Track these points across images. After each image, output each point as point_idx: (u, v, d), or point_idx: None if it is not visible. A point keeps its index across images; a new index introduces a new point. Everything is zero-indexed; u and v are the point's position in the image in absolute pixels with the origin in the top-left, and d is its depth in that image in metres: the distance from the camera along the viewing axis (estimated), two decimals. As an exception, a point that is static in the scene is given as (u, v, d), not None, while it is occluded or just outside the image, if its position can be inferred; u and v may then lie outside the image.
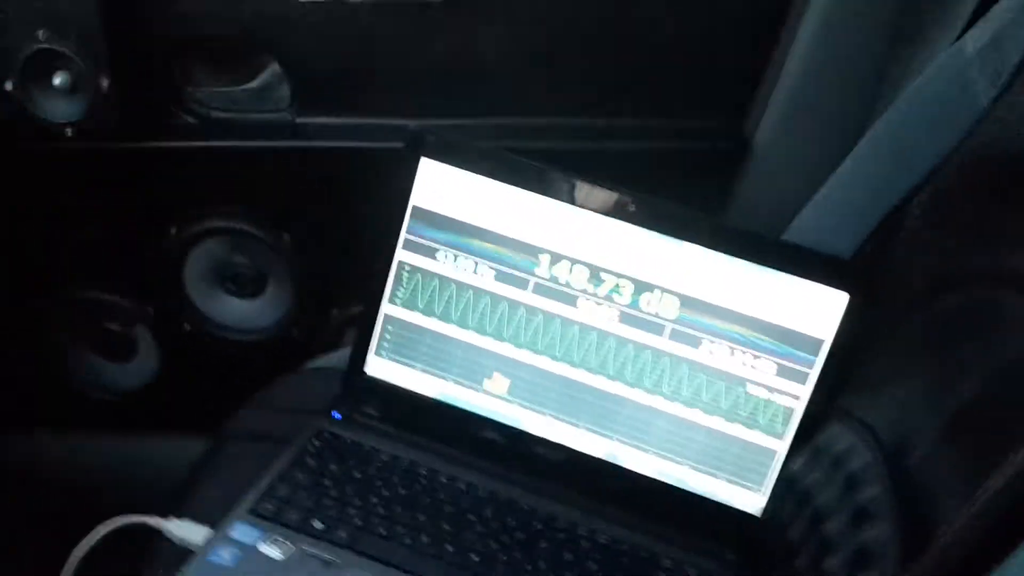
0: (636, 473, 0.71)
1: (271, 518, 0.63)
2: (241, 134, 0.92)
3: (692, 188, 0.83)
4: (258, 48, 0.91)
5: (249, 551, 0.61)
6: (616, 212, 0.68)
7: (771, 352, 0.67)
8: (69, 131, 0.88)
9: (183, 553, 0.61)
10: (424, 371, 0.74)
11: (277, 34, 0.89)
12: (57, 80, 0.86)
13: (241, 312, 1.02)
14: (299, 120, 0.92)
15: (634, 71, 0.88)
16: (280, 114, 0.93)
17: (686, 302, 0.68)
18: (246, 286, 1.01)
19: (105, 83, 0.86)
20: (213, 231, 0.96)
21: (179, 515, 0.64)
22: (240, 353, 1.02)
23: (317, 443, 0.71)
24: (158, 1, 0.86)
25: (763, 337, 0.67)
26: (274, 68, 0.91)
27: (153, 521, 0.63)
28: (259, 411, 0.81)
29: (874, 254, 0.67)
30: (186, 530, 0.63)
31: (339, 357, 0.87)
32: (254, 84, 0.92)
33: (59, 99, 0.87)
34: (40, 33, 0.84)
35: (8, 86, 0.86)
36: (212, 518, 0.64)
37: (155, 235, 0.96)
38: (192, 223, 0.96)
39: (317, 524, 0.63)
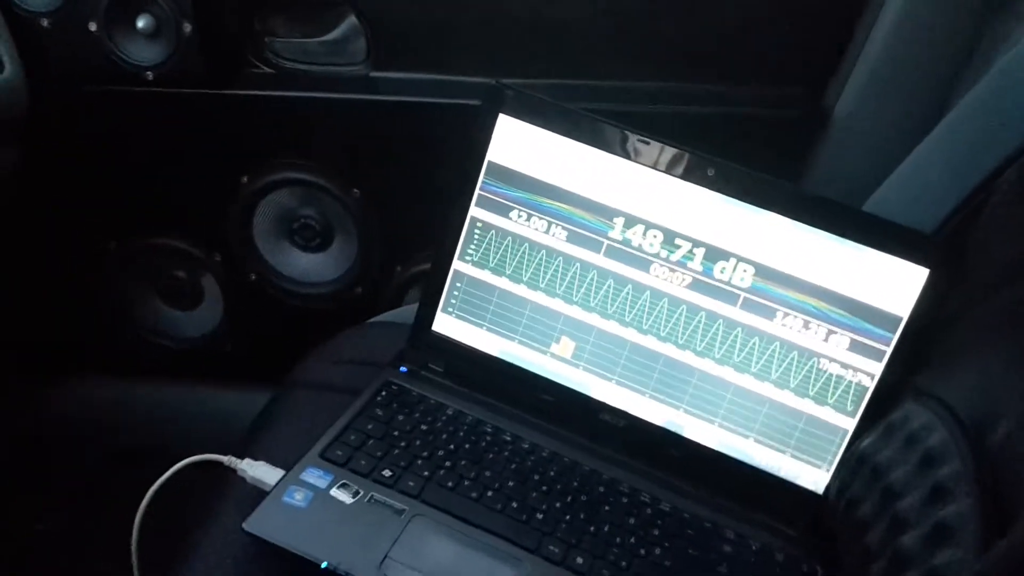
0: (699, 444, 0.71)
1: (342, 464, 0.64)
2: (316, 86, 0.93)
3: (770, 157, 0.81)
4: (336, 1, 0.91)
5: (321, 494, 0.62)
6: (693, 176, 0.67)
7: (846, 326, 0.66)
8: (150, 75, 0.90)
9: (257, 493, 0.63)
10: (491, 330, 0.75)
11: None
12: (141, 23, 0.88)
13: (307, 265, 1.03)
14: (374, 74, 0.92)
15: (716, 36, 0.87)
16: (355, 67, 0.93)
17: (761, 271, 0.67)
18: (313, 239, 1.02)
19: (188, 28, 0.87)
20: (284, 182, 0.98)
21: (255, 457, 0.66)
22: (304, 306, 1.04)
23: (385, 394, 0.72)
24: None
25: (838, 311, 0.66)
26: (351, 21, 0.92)
27: (228, 460, 0.65)
28: (325, 362, 0.81)
29: (957, 231, 0.65)
30: (260, 470, 0.64)
31: (403, 313, 0.88)
32: (331, 36, 0.93)
33: (142, 42, 0.89)
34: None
35: (92, 27, 0.88)
36: (284, 461, 0.65)
37: (227, 184, 0.98)
38: (264, 173, 0.97)
39: (386, 472, 0.64)
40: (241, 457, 0.66)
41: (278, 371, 0.85)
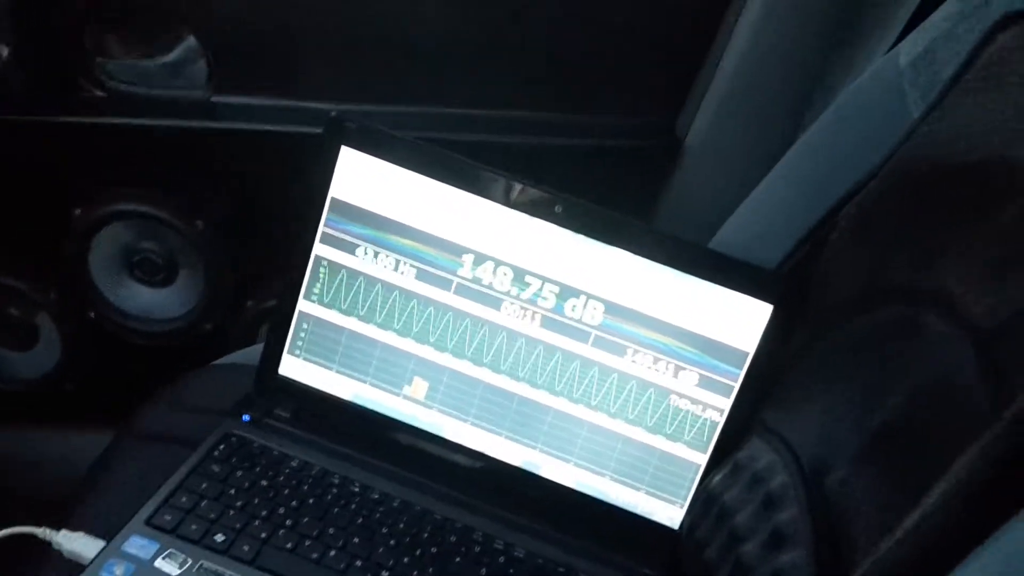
0: (556, 484, 0.69)
1: (169, 530, 0.60)
2: (153, 111, 0.87)
3: (622, 186, 0.81)
4: (174, 20, 0.86)
5: (144, 567, 0.57)
6: (541, 212, 0.65)
7: (695, 363, 0.66)
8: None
9: (74, 567, 0.58)
10: (340, 372, 0.71)
11: (194, 6, 0.84)
12: (-50, 49, 0.81)
13: (150, 301, 0.97)
14: (215, 99, 0.87)
15: (566, 65, 0.86)
16: (195, 92, 0.88)
17: (611, 309, 0.66)
18: (155, 274, 0.95)
19: (5, 51, 0.80)
20: (121, 214, 0.91)
21: (72, 526, 0.60)
22: (148, 345, 0.98)
23: (223, 447, 0.68)
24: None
25: (687, 347, 0.65)
26: (190, 42, 0.87)
27: (43, 533, 0.59)
28: (163, 409, 0.76)
29: (800, 265, 0.66)
30: (78, 543, 0.59)
31: (252, 354, 0.84)
32: (169, 58, 0.87)
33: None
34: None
35: None
36: (107, 528, 0.60)
37: (59, 216, 0.91)
38: (99, 205, 0.90)
39: (219, 537, 0.60)
40: (58, 527, 0.60)
41: (123, 413, 0.79)
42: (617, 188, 0.75)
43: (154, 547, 0.58)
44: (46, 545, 0.60)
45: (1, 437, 1.03)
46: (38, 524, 0.61)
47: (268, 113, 0.88)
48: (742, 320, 0.64)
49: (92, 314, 0.96)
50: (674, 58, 0.86)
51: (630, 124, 0.89)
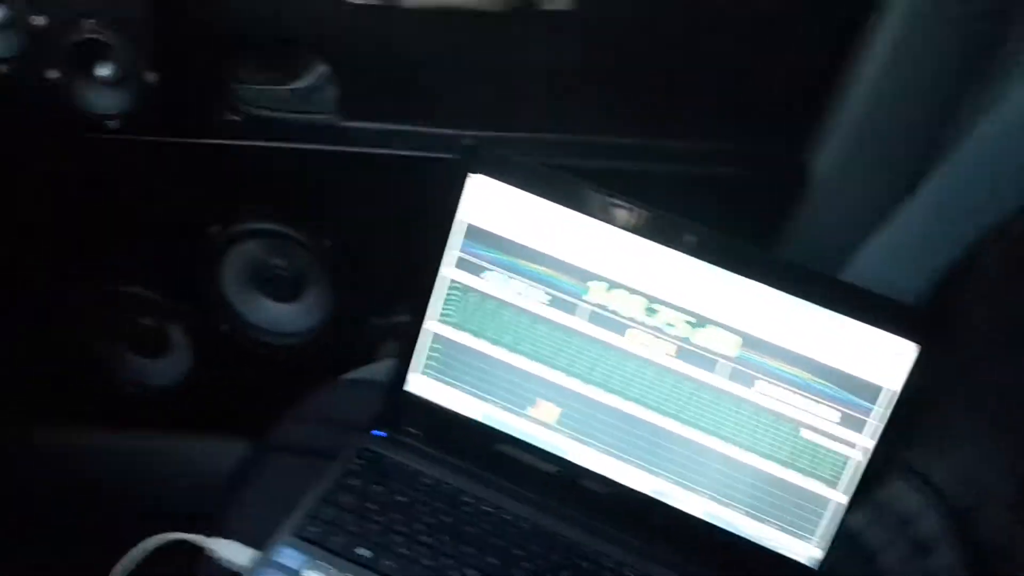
0: (685, 513, 0.69)
1: (317, 542, 0.62)
2: (285, 135, 0.91)
3: (747, 216, 0.80)
4: (307, 49, 0.89)
5: (294, 578, 0.60)
6: (676, 242, 0.66)
7: (833, 398, 0.65)
8: (112, 123, 0.87)
9: (226, 573, 0.60)
10: (470, 393, 0.72)
11: (326, 35, 0.87)
12: (102, 71, 0.85)
13: (277, 315, 1.00)
14: (345, 124, 0.90)
15: (695, 92, 0.86)
16: (326, 116, 0.91)
17: (746, 340, 0.66)
18: (284, 289, 0.99)
19: (151, 76, 0.84)
20: (253, 232, 0.95)
21: (224, 534, 0.63)
22: (275, 357, 1.01)
23: (360, 462, 0.70)
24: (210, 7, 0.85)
25: (825, 382, 0.65)
26: (322, 69, 0.90)
27: (199, 540, 0.62)
28: (297, 422, 0.79)
29: (944, 301, 0.64)
30: (232, 551, 0.61)
31: (377, 370, 0.86)
32: (301, 84, 0.90)
33: (104, 90, 0.86)
34: (87, 22, 0.82)
35: (52, 75, 0.84)
36: (255, 537, 0.62)
37: (195, 233, 0.95)
38: (232, 223, 0.94)
39: (363, 551, 0.62)
40: (211, 535, 0.63)
41: (249, 421, 0.82)
42: (742, 219, 0.74)
43: (302, 559, 0.61)
44: (199, 551, 0.62)
45: (133, 441, 1.08)
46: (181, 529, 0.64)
47: (394, 138, 0.90)
48: (885, 357, 0.63)
49: (223, 326, 1.00)
50: (803, 85, 0.85)
51: (757, 153, 0.88)
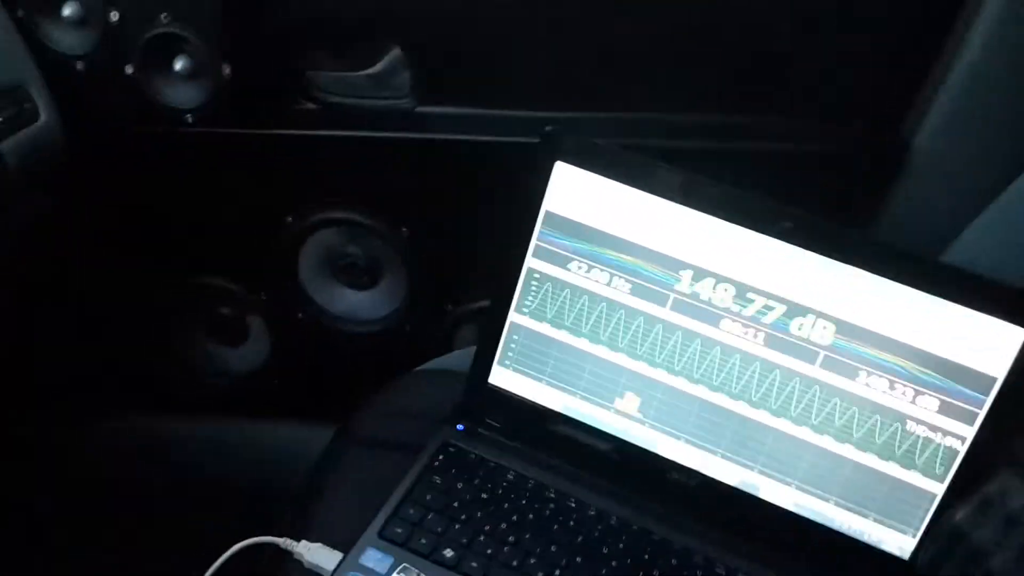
0: (776, 506, 0.67)
1: (401, 543, 0.62)
2: (360, 122, 0.90)
3: (845, 197, 0.76)
4: (380, 33, 0.88)
5: (381, 580, 0.59)
6: (768, 228, 0.63)
7: (935, 388, 0.62)
8: (189, 117, 0.87)
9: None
10: (551, 384, 0.71)
11: (400, 19, 0.86)
12: (178, 65, 0.85)
13: (354, 303, 1.00)
14: (420, 109, 0.89)
15: (784, 66, 0.82)
16: (401, 101, 0.89)
17: (842, 328, 0.63)
18: (360, 277, 0.99)
19: (227, 69, 0.84)
20: (329, 221, 0.95)
21: (309, 535, 0.63)
22: (352, 344, 1.01)
23: (442, 458, 0.69)
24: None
25: (927, 371, 0.61)
26: (396, 53, 0.88)
27: (284, 543, 0.62)
28: (377, 415, 0.78)
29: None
30: (318, 555, 0.61)
31: (456, 359, 0.85)
32: (375, 69, 0.89)
33: (179, 84, 0.86)
34: (161, 16, 0.82)
35: (129, 70, 0.85)
36: (340, 536, 0.63)
37: (272, 223, 0.95)
38: (309, 213, 0.94)
39: (448, 553, 0.61)
40: (297, 538, 0.63)
41: (329, 407, 0.82)
42: (837, 198, 0.71)
43: (389, 561, 0.60)
44: (287, 555, 0.63)
45: (216, 427, 1.10)
46: (273, 531, 0.64)
47: (471, 122, 0.88)
48: (988, 343, 0.60)
49: (300, 314, 1.00)
50: (900, 56, 0.80)
51: (852, 129, 0.84)
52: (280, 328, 1.03)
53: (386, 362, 0.85)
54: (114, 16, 0.83)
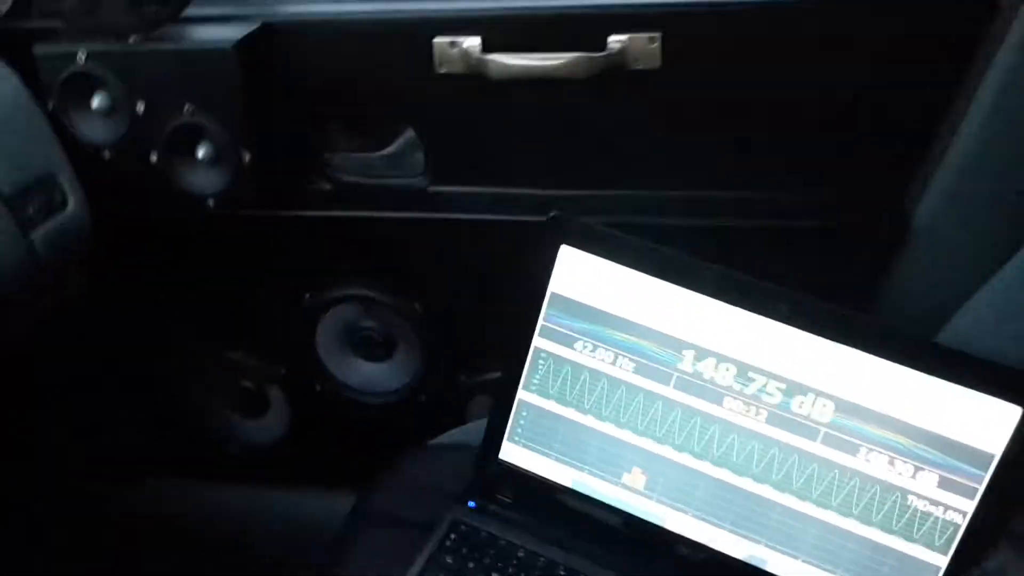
0: (783, 580, 0.68)
1: (419, 631, 0.63)
2: (375, 202, 0.93)
3: (843, 270, 0.78)
4: (394, 116, 0.92)
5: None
6: (768, 310, 0.65)
7: (934, 464, 0.63)
8: (211, 202, 0.90)
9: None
10: (559, 460, 0.73)
11: (414, 103, 0.89)
12: (200, 153, 0.88)
13: (370, 375, 1.03)
14: (432, 188, 0.92)
15: (780, 139, 0.84)
16: (414, 180, 0.93)
17: (841, 406, 0.64)
18: (375, 350, 1.01)
19: (247, 156, 0.87)
20: (345, 298, 0.98)
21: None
22: (369, 414, 1.04)
23: (454, 537, 0.71)
24: (298, 73, 0.88)
25: (925, 447, 0.63)
26: (409, 135, 0.92)
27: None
28: (392, 491, 0.80)
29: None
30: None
31: (468, 432, 0.87)
32: (390, 150, 0.93)
33: (201, 171, 0.89)
34: (185, 107, 0.86)
35: (153, 158, 0.88)
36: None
37: (289, 300, 0.98)
38: (325, 289, 0.97)
39: (461, 632, 0.63)
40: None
41: (345, 476, 0.84)
42: (836, 273, 0.72)
43: (404, 641, 0.62)
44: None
45: (236, 496, 1.12)
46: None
47: (481, 201, 0.91)
48: (985, 420, 0.61)
49: (318, 386, 1.03)
50: (902, 127, 0.81)
51: (852, 201, 0.85)
52: (299, 400, 1.06)
53: (402, 431, 0.88)
54: (140, 107, 0.86)
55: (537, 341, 0.71)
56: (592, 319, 0.69)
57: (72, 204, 0.86)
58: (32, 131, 0.86)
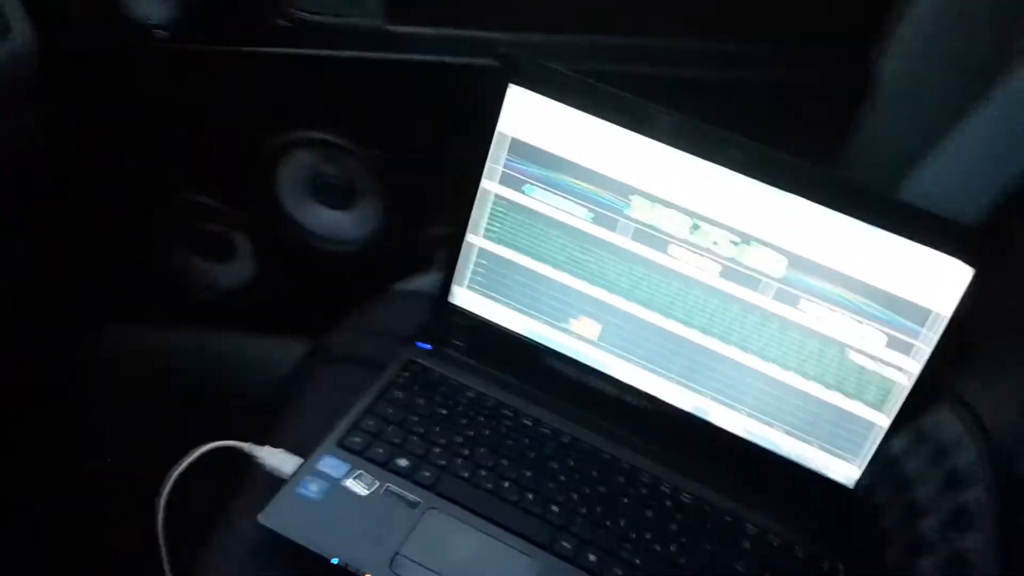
0: (725, 431, 0.69)
1: (358, 452, 0.64)
2: (333, 41, 0.89)
3: (806, 126, 0.75)
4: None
5: (335, 485, 0.62)
6: (722, 158, 0.63)
7: (881, 320, 0.63)
8: (161, 32, 0.87)
9: (275, 481, 0.63)
10: (513, 307, 0.73)
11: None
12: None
13: (333, 223, 1.01)
14: (391, 28, 0.88)
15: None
16: (372, 20, 0.89)
17: (793, 260, 0.64)
18: (338, 198, 0.99)
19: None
20: (304, 141, 0.95)
21: (274, 442, 0.65)
22: (332, 263, 1.03)
23: (406, 374, 0.72)
24: None
25: (873, 304, 0.62)
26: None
27: (248, 447, 0.65)
28: (349, 333, 0.81)
29: (1000, 223, 0.60)
30: (278, 459, 0.64)
31: (429, 280, 0.87)
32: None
33: (152, -1, 0.86)
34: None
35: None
36: (302, 444, 0.65)
37: (249, 142, 0.95)
38: (283, 132, 0.94)
39: (402, 462, 0.64)
40: (261, 443, 0.66)
41: (308, 324, 0.85)
42: (799, 127, 0.70)
43: (345, 468, 0.63)
44: (250, 458, 0.66)
45: (197, 338, 1.13)
46: (241, 437, 0.67)
47: (440, 42, 0.88)
48: (938, 280, 0.60)
49: (281, 232, 1.02)
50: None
51: (816, 54, 0.82)
52: (264, 246, 1.05)
53: (368, 282, 0.87)
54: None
55: (489, 184, 0.70)
56: (547, 165, 0.68)
57: (15, 31, 0.82)
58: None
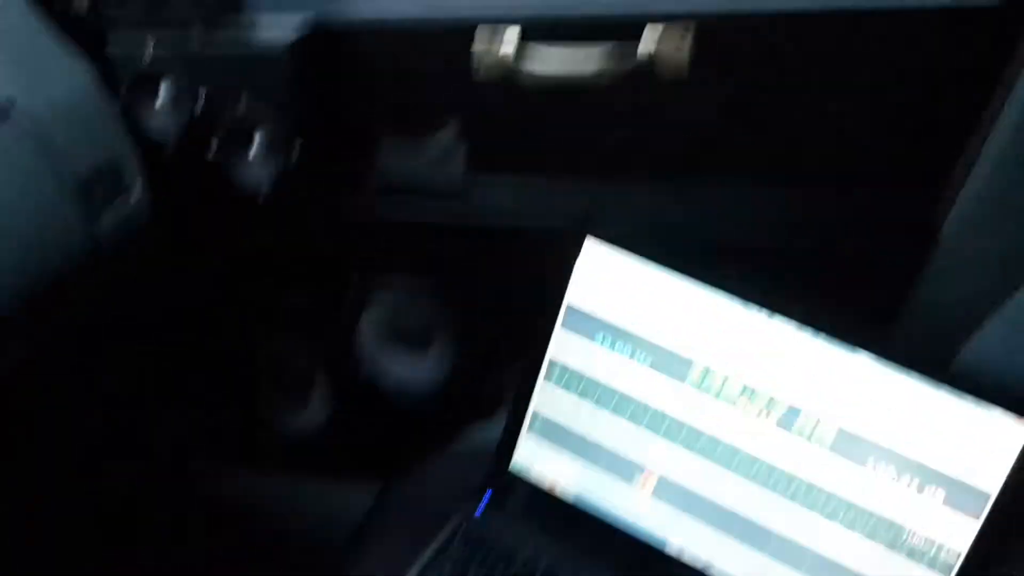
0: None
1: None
2: (417, 205, 0.96)
3: (869, 285, 0.76)
4: (436, 120, 0.94)
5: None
6: (784, 317, 0.64)
7: (939, 485, 0.62)
8: (262, 196, 0.94)
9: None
10: (571, 464, 0.74)
11: (455, 107, 0.91)
12: (253, 149, 0.92)
13: (407, 368, 1.06)
14: (472, 188, 0.94)
15: (810, 151, 0.83)
16: (453, 183, 0.95)
17: (853, 424, 0.64)
18: (413, 344, 1.04)
19: (297, 152, 0.91)
20: (387, 292, 1.01)
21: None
22: (406, 405, 1.07)
23: (457, 539, 0.73)
24: (351, 81, 0.91)
25: (933, 466, 0.62)
26: (450, 138, 0.94)
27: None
28: (408, 491, 0.84)
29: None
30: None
31: (495, 427, 0.88)
32: (431, 153, 0.95)
33: (253, 167, 0.93)
34: (240, 103, 0.89)
35: (208, 153, 0.92)
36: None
37: (333, 293, 1.02)
38: (367, 284, 1.01)
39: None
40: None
41: (383, 466, 0.87)
42: (861, 286, 0.70)
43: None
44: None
45: (278, 483, 1.17)
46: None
47: (520, 204, 0.94)
48: (993, 450, 0.60)
49: (358, 377, 1.07)
50: (931, 139, 0.79)
51: (879, 215, 0.84)
52: (340, 388, 1.09)
53: (439, 422, 0.90)
54: (200, 103, 0.90)
55: (553, 347, 0.72)
56: (606, 329, 0.70)
57: (136, 191, 0.91)
58: (105, 120, 0.91)
